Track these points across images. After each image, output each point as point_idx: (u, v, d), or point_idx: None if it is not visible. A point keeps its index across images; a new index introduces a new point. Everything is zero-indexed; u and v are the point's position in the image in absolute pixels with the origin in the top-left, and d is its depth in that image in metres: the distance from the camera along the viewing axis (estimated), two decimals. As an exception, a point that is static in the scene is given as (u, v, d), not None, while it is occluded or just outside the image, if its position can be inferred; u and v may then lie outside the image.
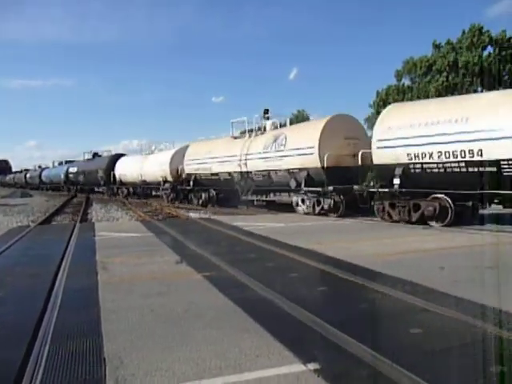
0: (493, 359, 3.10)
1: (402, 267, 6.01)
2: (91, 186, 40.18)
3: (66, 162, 52.99)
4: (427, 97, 34.02)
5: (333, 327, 3.72)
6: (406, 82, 38.97)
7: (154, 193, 30.70)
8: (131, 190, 33.58)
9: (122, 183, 34.19)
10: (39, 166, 66.02)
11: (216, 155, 20.54)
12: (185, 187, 23.32)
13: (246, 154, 18.17)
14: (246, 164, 18.17)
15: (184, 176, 22.96)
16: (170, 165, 25.04)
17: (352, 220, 12.84)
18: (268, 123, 18.72)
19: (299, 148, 15.10)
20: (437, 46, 36.32)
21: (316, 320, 3.94)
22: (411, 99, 35.46)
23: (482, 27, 34.27)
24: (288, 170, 15.63)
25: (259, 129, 19.17)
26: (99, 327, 3.94)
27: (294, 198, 15.75)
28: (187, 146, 24.37)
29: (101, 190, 39.36)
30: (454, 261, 6.49)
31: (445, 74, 33.74)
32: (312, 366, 3.04)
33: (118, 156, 36.48)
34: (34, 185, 61.74)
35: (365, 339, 3.41)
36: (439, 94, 33.28)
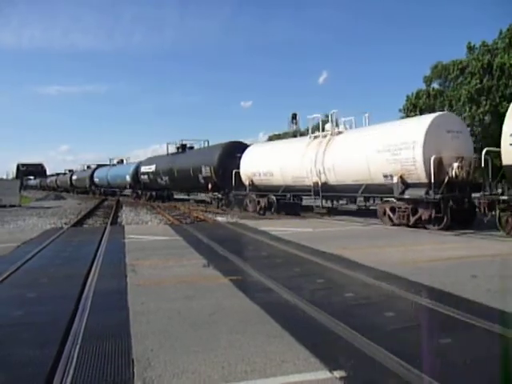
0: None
1: None
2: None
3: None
4: (459, 100, 33.25)
5: (355, 331, 3.68)
6: (433, 86, 38.23)
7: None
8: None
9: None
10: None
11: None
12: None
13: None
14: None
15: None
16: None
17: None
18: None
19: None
20: (471, 48, 35.44)
21: (340, 324, 3.91)
22: (442, 103, 34.76)
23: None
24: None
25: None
26: (128, 329, 4.03)
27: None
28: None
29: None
30: None
31: (478, 76, 32.85)
32: (338, 373, 3.01)
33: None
34: (65, 188, 64.78)
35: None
36: (471, 97, 32.47)
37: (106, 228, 13.65)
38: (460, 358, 3.25)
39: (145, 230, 13.93)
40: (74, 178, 58.53)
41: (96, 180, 47.49)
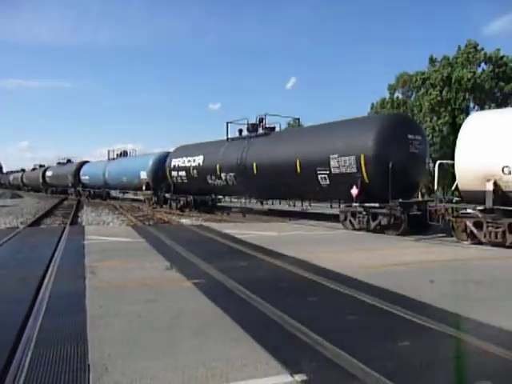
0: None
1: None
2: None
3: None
4: (421, 111, 34.43)
5: (320, 337, 3.70)
6: (399, 95, 39.47)
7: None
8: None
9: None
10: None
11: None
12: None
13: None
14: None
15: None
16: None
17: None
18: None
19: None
20: (433, 61, 36.79)
21: (302, 328, 3.92)
22: (405, 112, 35.87)
23: (478, 44, 34.83)
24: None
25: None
26: (85, 333, 3.88)
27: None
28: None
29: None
30: None
31: (438, 88, 34.13)
32: (299, 377, 3.01)
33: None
34: (16, 186, 63.62)
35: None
36: (432, 109, 33.70)
37: (64, 228, 13.21)
38: (417, 360, 3.32)
39: (106, 231, 13.58)
40: (49, 174, 49.06)
41: (84, 178, 38.98)
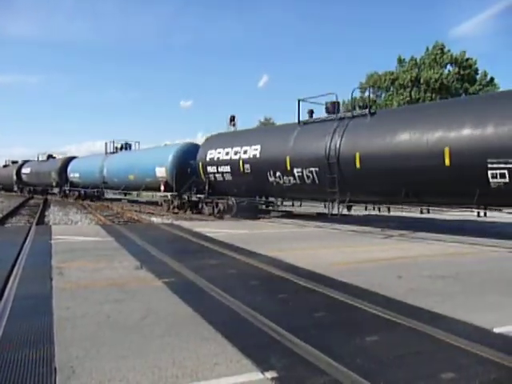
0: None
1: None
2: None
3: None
4: (390, 110, 35.24)
5: (290, 334, 3.74)
6: (369, 94, 40.18)
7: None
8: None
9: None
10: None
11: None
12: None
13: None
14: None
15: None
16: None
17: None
18: None
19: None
20: (401, 61, 37.66)
21: (272, 326, 3.95)
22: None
23: (444, 46, 35.90)
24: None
25: None
26: (51, 335, 3.78)
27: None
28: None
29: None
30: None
31: (408, 89, 34.98)
32: (270, 374, 3.03)
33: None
34: None
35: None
36: (401, 108, 34.51)
37: (30, 228, 12.82)
38: (385, 355, 3.40)
39: (74, 230, 13.27)
40: (26, 171, 42.72)
41: (73, 176, 33.04)
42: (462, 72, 35.15)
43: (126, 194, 29.53)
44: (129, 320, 4.24)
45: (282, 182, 14.27)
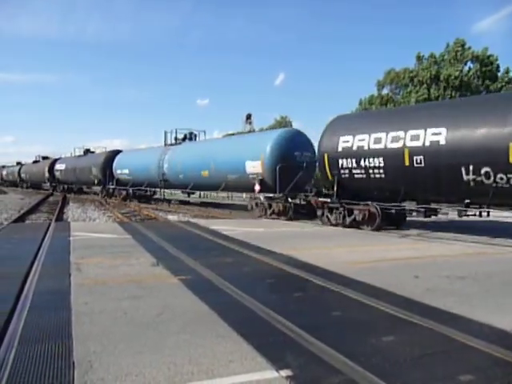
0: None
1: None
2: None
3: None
4: (408, 107, 34.78)
5: (306, 333, 3.73)
6: (387, 91, 39.77)
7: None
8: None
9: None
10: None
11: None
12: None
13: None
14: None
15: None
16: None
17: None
18: None
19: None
20: (419, 58, 37.11)
21: (288, 324, 3.95)
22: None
23: (465, 43, 35.24)
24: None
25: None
26: (70, 330, 3.85)
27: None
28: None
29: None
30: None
31: (425, 86, 34.48)
32: (285, 372, 3.03)
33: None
34: (12, 182, 55.82)
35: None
36: (419, 106, 34.06)
37: (50, 224, 13.05)
38: (401, 355, 3.37)
39: (92, 227, 13.47)
40: (60, 167, 38.97)
41: (121, 172, 28.41)
42: (483, 69, 34.50)
43: (189, 195, 24.70)
44: (145, 316, 4.28)
45: (491, 181, 9.35)
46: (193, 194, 24.70)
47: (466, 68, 35.19)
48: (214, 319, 4.20)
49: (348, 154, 12.28)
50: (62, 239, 9.62)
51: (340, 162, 12.50)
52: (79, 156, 36.23)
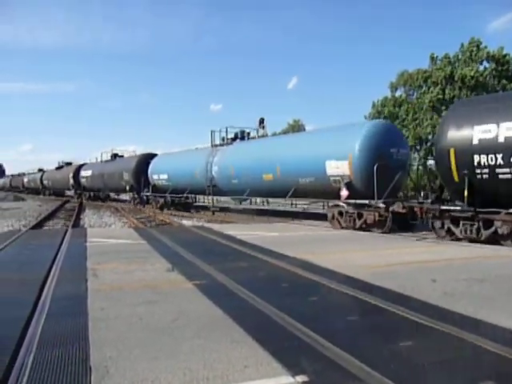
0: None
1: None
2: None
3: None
4: (422, 109, 34.43)
5: (322, 338, 3.70)
6: (400, 93, 39.42)
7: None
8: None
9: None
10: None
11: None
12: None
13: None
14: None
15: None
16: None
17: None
18: None
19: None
20: (433, 59, 36.74)
21: (303, 329, 3.91)
22: (407, 111, 35.88)
23: (481, 42, 34.78)
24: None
25: None
26: (86, 335, 3.88)
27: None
28: None
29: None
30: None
31: (440, 86, 34.10)
32: (300, 378, 3.01)
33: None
34: (33, 189, 54.88)
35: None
36: (433, 106, 33.69)
37: (67, 231, 13.22)
38: (420, 361, 3.31)
39: (108, 233, 13.60)
40: (86, 173, 36.89)
41: (157, 178, 25.75)
42: (499, 68, 34.00)
43: (240, 202, 21.73)
44: (160, 321, 4.30)
45: None
46: (244, 200, 21.61)
47: (482, 68, 34.71)
48: (228, 324, 4.19)
49: (489, 147, 9.45)
50: (78, 245, 9.74)
51: (476, 158, 9.65)
52: (107, 161, 33.96)
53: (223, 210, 23.46)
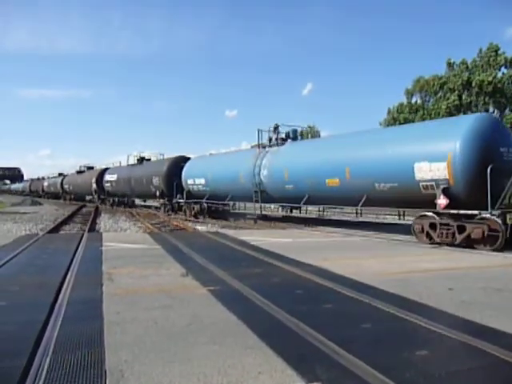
0: None
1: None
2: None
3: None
4: (438, 115, 34.07)
5: (336, 345, 3.67)
6: (416, 100, 39.12)
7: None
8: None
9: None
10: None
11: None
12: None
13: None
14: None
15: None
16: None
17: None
18: None
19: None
20: (450, 65, 36.42)
21: (318, 336, 3.89)
22: (423, 117, 35.53)
23: (499, 48, 34.38)
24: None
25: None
26: (102, 339, 3.92)
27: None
28: None
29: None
30: None
31: (457, 92, 33.76)
32: (315, 385, 2.99)
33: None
34: (53, 193, 54.33)
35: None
36: (450, 112, 33.30)
37: (83, 235, 13.39)
38: (435, 370, 3.26)
39: (123, 237, 13.72)
40: (110, 178, 34.41)
41: (192, 183, 22.80)
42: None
43: (291, 210, 19.37)
44: (175, 326, 4.32)
45: None
46: (296, 208, 19.16)
47: (500, 74, 34.27)
48: (242, 330, 4.19)
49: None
50: (94, 249, 9.85)
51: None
52: (133, 165, 31.03)
53: (267, 219, 20.59)
